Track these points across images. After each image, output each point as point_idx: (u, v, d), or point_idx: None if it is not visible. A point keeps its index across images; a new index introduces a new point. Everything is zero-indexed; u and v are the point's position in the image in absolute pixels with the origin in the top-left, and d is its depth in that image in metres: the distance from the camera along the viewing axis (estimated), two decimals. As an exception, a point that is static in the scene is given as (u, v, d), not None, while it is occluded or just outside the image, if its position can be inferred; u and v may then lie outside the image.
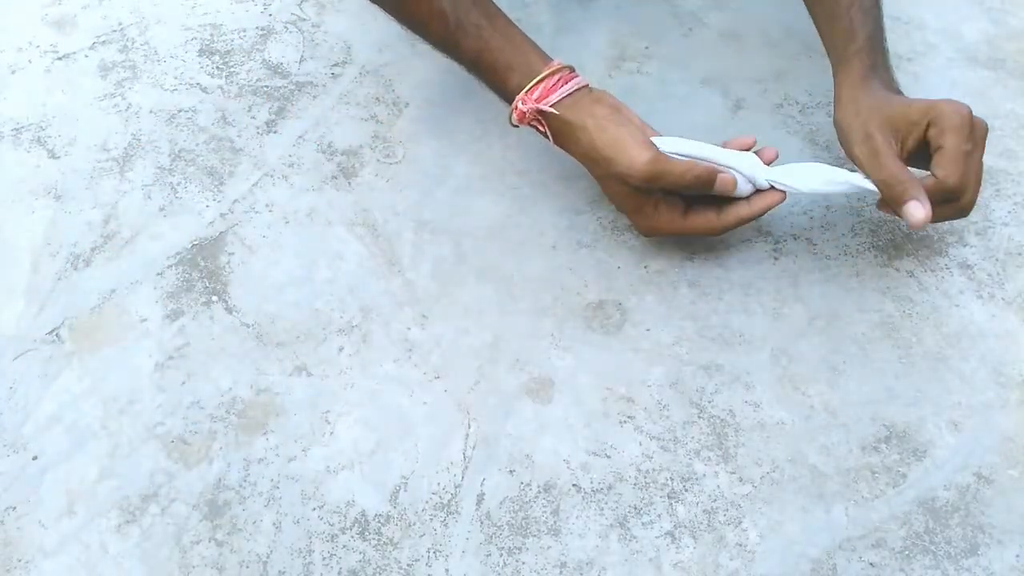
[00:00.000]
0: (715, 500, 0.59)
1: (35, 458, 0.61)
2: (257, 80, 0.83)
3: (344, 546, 0.57)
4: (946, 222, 0.71)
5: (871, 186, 0.64)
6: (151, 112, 0.80)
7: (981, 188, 0.65)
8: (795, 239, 0.71)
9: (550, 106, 0.66)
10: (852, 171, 0.66)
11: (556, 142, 0.68)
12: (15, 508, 0.59)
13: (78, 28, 0.87)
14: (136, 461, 0.61)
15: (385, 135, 0.79)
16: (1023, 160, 0.76)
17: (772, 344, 0.66)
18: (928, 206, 0.61)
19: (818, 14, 0.73)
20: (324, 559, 0.57)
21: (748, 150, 0.68)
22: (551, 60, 0.68)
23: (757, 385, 0.64)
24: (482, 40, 0.68)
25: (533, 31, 0.86)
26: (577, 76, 0.68)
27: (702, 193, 0.66)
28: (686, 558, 0.57)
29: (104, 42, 0.86)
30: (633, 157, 0.64)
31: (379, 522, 0.58)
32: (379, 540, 0.58)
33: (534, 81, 0.66)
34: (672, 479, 0.60)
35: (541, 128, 0.68)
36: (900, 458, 0.61)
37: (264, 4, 0.90)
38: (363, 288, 0.69)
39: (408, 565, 0.57)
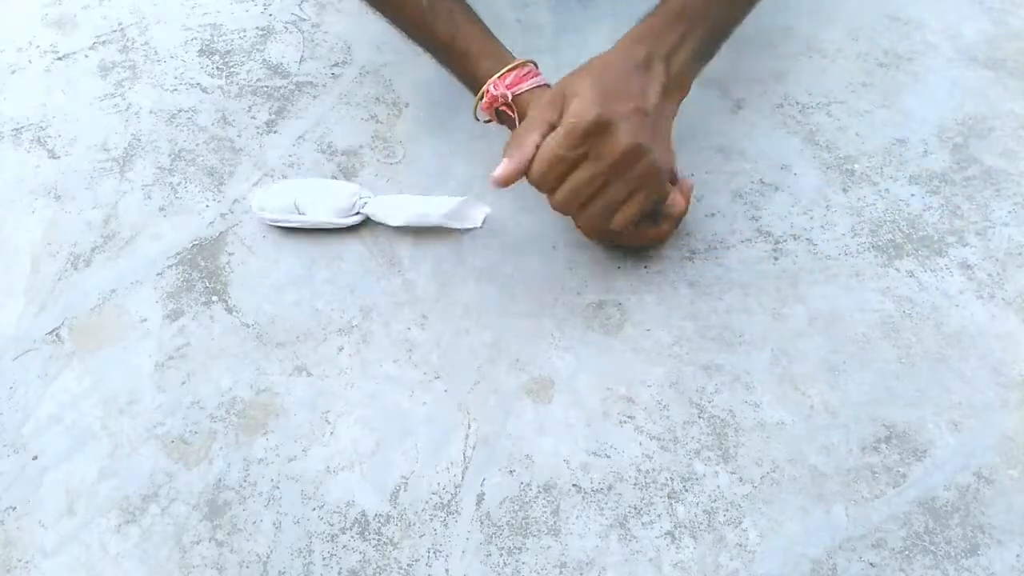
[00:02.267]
0: (715, 500, 0.59)
1: (35, 458, 0.61)
2: (257, 80, 0.83)
3: (344, 546, 0.57)
4: (948, 224, 0.71)
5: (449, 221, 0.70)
6: (151, 112, 0.80)
7: (982, 197, 0.64)
8: (795, 239, 0.71)
9: (520, 93, 0.66)
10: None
11: None
12: (15, 508, 0.59)
13: (78, 28, 0.87)
14: (136, 461, 0.61)
15: (385, 135, 0.79)
16: (1023, 160, 0.76)
17: (772, 344, 0.66)
18: (510, 167, 0.61)
19: None
20: (324, 559, 0.57)
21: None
22: (515, 58, 0.68)
23: (757, 385, 0.64)
24: (455, 25, 0.68)
25: (533, 31, 0.86)
26: (541, 74, 0.68)
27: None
28: (686, 558, 0.57)
29: (104, 42, 0.86)
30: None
31: (379, 522, 0.58)
32: (379, 540, 0.58)
33: (507, 68, 0.67)
34: (672, 479, 0.60)
35: (511, 113, 0.67)
36: (900, 458, 0.61)
37: (264, 4, 0.90)
38: (363, 288, 0.69)
39: (408, 565, 0.57)
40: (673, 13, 0.65)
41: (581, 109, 0.59)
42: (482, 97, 0.68)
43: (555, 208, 0.64)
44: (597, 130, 0.59)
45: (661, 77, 0.63)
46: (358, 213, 0.71)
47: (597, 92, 0.60)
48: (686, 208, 0.68)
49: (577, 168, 0.61)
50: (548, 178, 0.61)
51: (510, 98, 0.67)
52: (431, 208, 0.70)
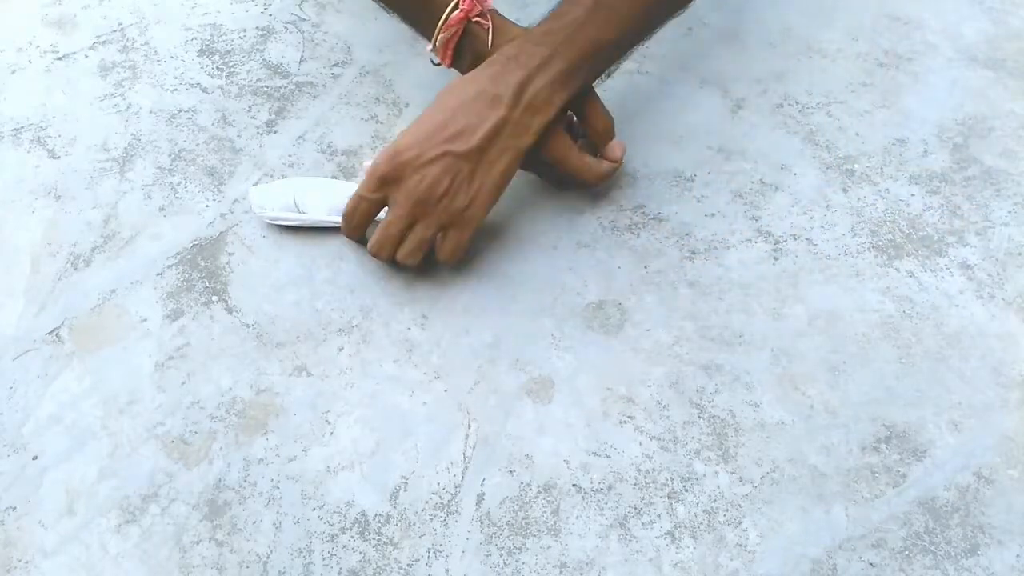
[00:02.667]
0: (715, 500, 0.59)
1: (35, 458, 0.61)
2: (257, 80, 0.83)
3: (344, 546, 0.57)
4: (948, 224, 0.72)
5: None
6: (151, 112, 0.80)
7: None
8: (795, 239, 0.71)
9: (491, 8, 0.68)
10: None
11: (494, 40, 0.68)
12: (15, 508, 0.59)
13: (78, 28, 0.87)
14: (136, 461, 0.61)
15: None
16: (1023, 160, 0.76)
17: (772, 344, 0.66)
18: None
19: None
20: (324, 559, 0.57)
21: None
22: None
23: (757, 385, 0.64)
24: None
25: (533, 31, 0.86)
26: None
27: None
28: (686, 558, 0.57)
29: (104, 42, 0.86)
30: None
31: (379, 522, 0.58)
32: (379, 540, 0.58)
33: None
34: (672, 479, 0.60)
35: (485, 24, 0.68)
36: (900, 458, 0.61)
37: (264, 4, 0.90)
38: (363, 288, 0.69)
39: (408, 565, 0.57)
40: (541, 33, 0.66)
41: (382, 157, 0.65)
42: (456, 8, 0.67)
43: (373, 254, 0.67)
44: (391, 178, 0.64)
45: (502, 111, 0.64)
46: None
47: (408, 138, 0.65)
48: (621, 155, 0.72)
49: (383, 214, 0.67)
50: (353, 221, 0.67)
51: (488, 6, 0.67)
52: None
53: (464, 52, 0.69)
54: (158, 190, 0.75)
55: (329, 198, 0.71)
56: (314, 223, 0.71)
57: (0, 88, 0.82)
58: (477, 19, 0.68)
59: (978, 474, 0.60)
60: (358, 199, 0.66)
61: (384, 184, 0.65)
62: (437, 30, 0.68)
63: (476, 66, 0.69)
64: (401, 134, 0.65)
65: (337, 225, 0.71)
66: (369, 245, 0.67)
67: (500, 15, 0.69)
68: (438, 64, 0.71)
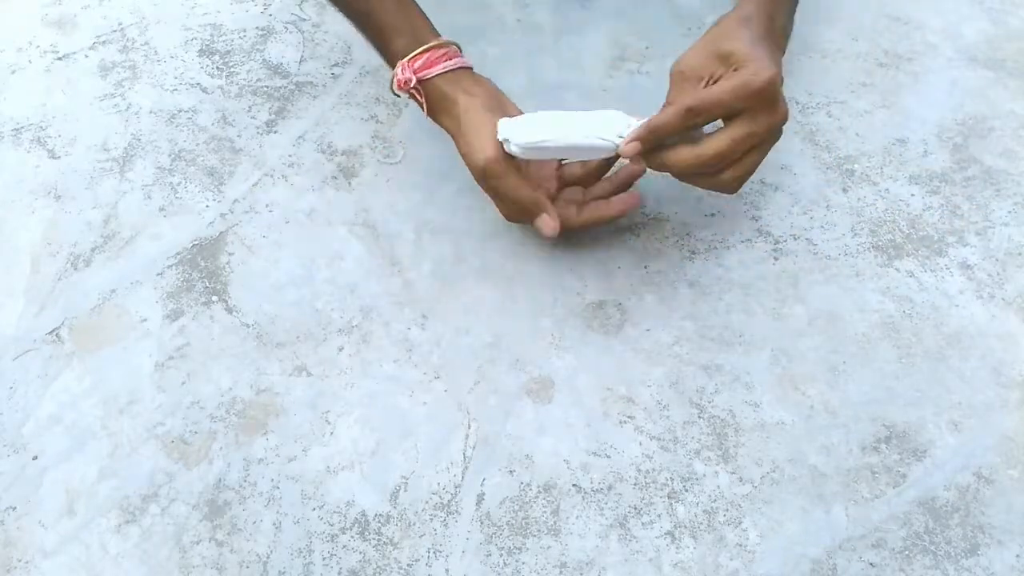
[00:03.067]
0: (715, 500, 0.59)
1: (35, 458, 0.61)
2: (257, 80, 0.83)
3: (344, 546, 0.57)
4: (948, 224, 0.72)
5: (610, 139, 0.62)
6: (151, 112, 0.80)
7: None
8: (795, 239, 0.71)
9: (428, 78, 0.66)
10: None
11: (429, 113, 0.69)
12: (15, 508, 0.59)
13: (78, 28, 0.87)
14: (136, 461, 0.61)
15: (385, 135, 0.79)
16: (1023, 160, 0.76)
17: (772, 344, 0.66)
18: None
19: None
20: (324, 559, 0.57)
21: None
22: (439, 35, 0.68)
23: (757, 385, 0.64)
24: (371, 2, 0.69)
25: (533, 31, 0.86)
26: (462, 56, 0.68)
27: (521, 215, 0.67)
28: (686, 558, 0.57)
29: (104, 42, 0.86)
30: (478, 148, 0.64)
31: (379, 522, 0.58)
32: (379, 540, 0.58)
33: (419, 50, 0.66)
34: (672, 479, 0.60)
35: (419, 98, 0.68)
36: (900, 458, 0.61)
37: (264, 4, 0.90)
38: (363, 288, 0.69)
39: (408, 565, 0.57)
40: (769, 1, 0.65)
41: (761, 68, 0.58)
42: (394, 78, 0.68)
43: (692, 166, 0.60)
44: (768, 95, 0.58)
45: (779, 48, 0.63)
46: (620, 137, 0.63)
47: (770, 56, 0.59)
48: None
49: (732, 125, 0.59)
50: (697, 120, 0.59)
51: (413, 83, 0.67)
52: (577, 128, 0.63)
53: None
54: (158, 190, 0.75)
55: (579, 125, 0.63)
56: (578, 145, 0.63)
57: (0, 88, 0.82)
58: (413, 91, 0.68)
59: (978, 474, 0.60)
60: (716, 102, 0.58)
61: (756, 97, 0.57)
62: (390, 84, 0.69)
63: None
64: (747, 51, 0.59)
65: (599, 146, 0.63)
66: (697, 157, 0.60)
67: (470, 76, 0.68)
68: (411, 96, 0.71)
